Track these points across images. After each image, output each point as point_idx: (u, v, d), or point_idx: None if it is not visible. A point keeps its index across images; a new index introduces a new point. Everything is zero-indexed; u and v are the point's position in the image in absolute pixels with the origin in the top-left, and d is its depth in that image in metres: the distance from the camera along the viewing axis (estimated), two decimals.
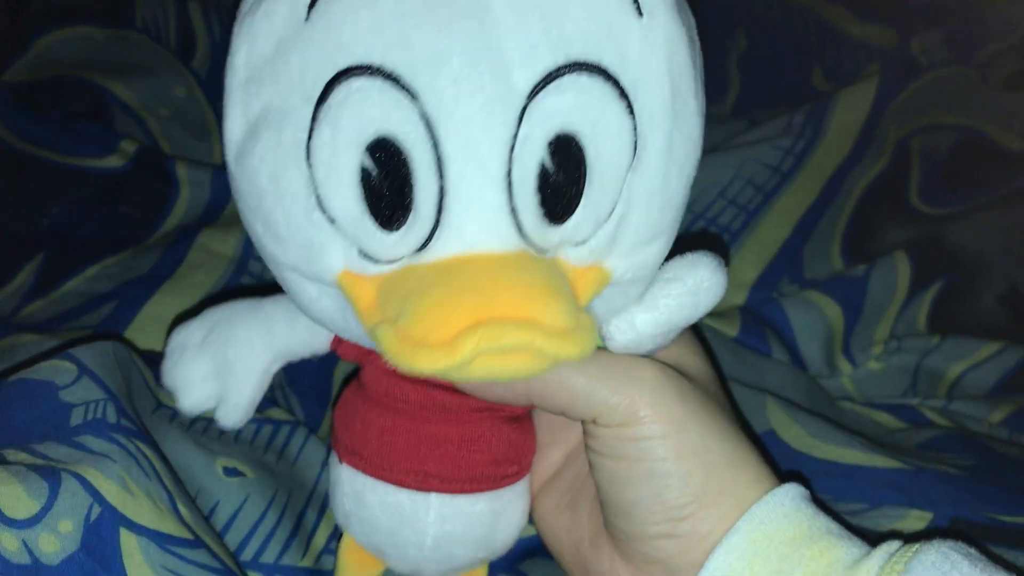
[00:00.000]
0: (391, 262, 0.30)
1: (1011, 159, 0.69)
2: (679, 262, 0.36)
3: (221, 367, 0.39)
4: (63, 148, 0.63)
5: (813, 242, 0.67)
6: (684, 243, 0.36)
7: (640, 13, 0.30)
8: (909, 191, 0.69)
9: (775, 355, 0.60)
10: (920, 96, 0.71)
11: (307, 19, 0.29)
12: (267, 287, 0.41)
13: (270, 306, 0.40)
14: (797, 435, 0.51)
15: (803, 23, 0.81)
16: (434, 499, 0.37)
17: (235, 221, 0.61)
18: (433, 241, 0.29)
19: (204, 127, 0.70)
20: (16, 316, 0.55)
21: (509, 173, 0.28)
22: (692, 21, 0.33)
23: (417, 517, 0.37)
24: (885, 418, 0.58)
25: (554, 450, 0.43)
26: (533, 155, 0.28)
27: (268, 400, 0.51)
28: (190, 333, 0.40)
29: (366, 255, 0.30)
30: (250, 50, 0.31)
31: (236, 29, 0.32)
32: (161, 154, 0.65)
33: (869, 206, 0.68)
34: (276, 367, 0.41)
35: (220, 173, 0.64)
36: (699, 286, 0.35)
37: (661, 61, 0.30)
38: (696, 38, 0.33)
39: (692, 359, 0.40)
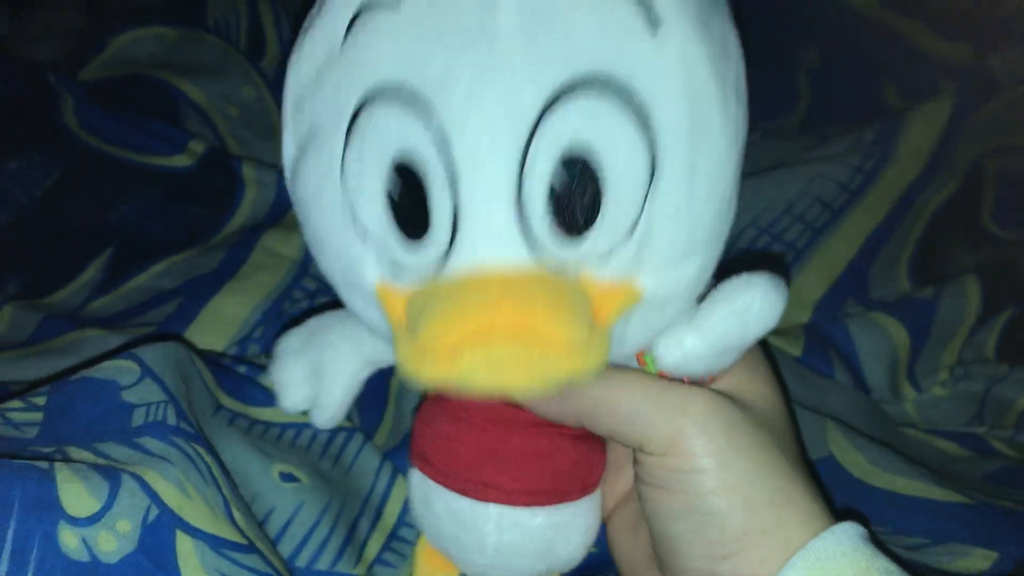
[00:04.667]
0: (418, 277, 0.31)
1: None
2: (733, 282, 0.35)
3: (316, 371, 0.42)
4: (134, 146, 0.65)
5: (880, 262, 0.66)
6: (746, 262, 0.36)
7: (655, 29, 0.29)
8: (982, 213, 0.67)
9: (838, 377, 0.59)
10: (997, 116, 0.69)
11: (341, 47, 0.31)
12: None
13: None
14: (857, 462, 0.50)
15: (877, 37, 0.80)
16: (493, 509, 0.38)
17: (298, 223, 0.62)
18: (450, 257, 0.30)
19: (271, 128, 0.71)
20: (83, 310, 0.56)
21: (519, 191, 0.29)
22: (728, 33, 0.33)
23: (477, 525, 0.38)
24: (949, 446, 0.57)
25: (628, 470, 0.43)
26: (543, 172, 0.29)
27: None
28: (293, 338, 0.43)
29: (396, 268, 0.32)
30: (296, 74, 0.33)
31: (289, 61, 0.34)
32: (228, 154, 0.66)
33: (939, 227, 0.67)
34: (365, 373, 0.42)
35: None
36: (748, 308, 0.34)
37: (676, 78, 0.30)
38: (732, 52, 0.33)
39: (756, 386, 0.39)
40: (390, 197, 0.30)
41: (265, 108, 0.71)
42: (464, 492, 0.38)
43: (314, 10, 0.34)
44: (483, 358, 0.29)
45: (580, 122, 0.28)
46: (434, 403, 0.40)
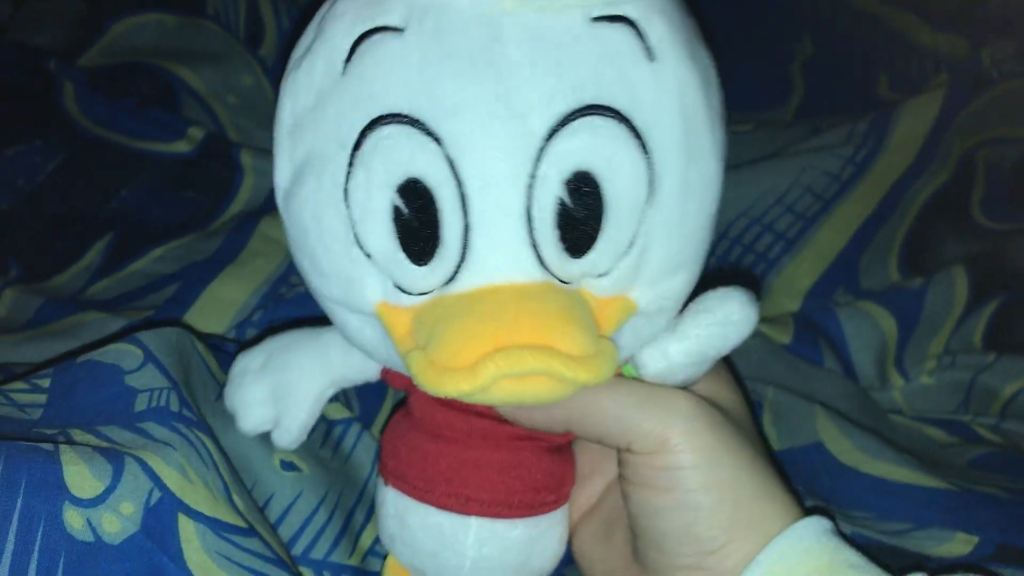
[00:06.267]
0: (423, 294, 0.32)
1: None
2: (711, 295, 0.37)
3: (278, 391, 0.42)
4: (134, 132, 0.65)
5: (870, 252, 0.66)
6: (719, 278, 0.38)
7: (651, 58, 0.31)
8: (971, 205, 0.68)
9: (827, 365, 0.60)
10: (988, 109, 0.70)
11: (343, 73, 0.31)
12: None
13: (328, 335, 0.43)
14: (845, 448, 0.51)
15: (871, 30, 0.80)
16: (473, 522, 0.38)
17: None
18: (460, 274, 0.31)
19: (270, 115, 0.71)
20: (84, 294, 0.57)
21: (529, 210, 0.30)
22: (709, 63, 0.34)
23: (456, 539, 0.38)
24: (936, 433, 0.57)
25: (594, 481, 0.44)
26: (551, 192, 0.30)
27: None
28: (252, 358, 0.43)
29: (400, 287, 0.32)
30: (294, 103, 0.34)
31: (283, 85, 0.35)
32: (227, 141, 0.67)
33: (930, 218, 0.68)
34: (330, 393, 0.43)
35: None
36: (728, 318, 0.36)
37: (672, 102, 0.31)
38: (714, 79, 0.34)
39: (725, 392, 0.41)
40: (396, 220, 0.31)
41: (263, 96, 0.72)
42: (444, 506, 0.38)
43: (308, 35, 0.34)
44: (505, 373, 0.30)
45: (586, 145, 0.30)
46: (404, 422, 0.41)
